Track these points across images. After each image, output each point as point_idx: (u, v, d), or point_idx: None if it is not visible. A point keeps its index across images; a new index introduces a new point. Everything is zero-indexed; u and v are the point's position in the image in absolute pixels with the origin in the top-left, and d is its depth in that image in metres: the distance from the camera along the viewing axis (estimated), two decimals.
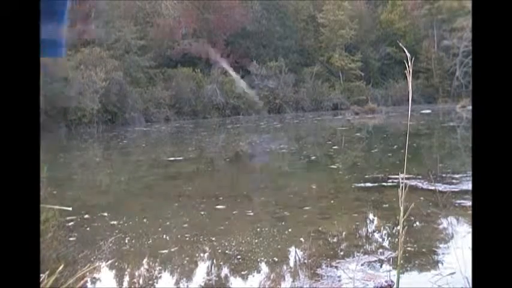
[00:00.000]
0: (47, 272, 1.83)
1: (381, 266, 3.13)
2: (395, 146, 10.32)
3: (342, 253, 3.44)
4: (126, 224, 4.49)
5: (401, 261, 2.10)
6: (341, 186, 6.21)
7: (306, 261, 3.30)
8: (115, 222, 4.54)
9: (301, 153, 10.52)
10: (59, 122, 23.03)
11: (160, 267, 3.40)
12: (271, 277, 3.10)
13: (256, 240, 3.78)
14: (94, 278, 3.23)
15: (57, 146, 15.58)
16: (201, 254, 3.61)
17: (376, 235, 4.02)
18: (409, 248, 3.39)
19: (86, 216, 4.80)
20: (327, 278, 2.95)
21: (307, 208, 4.87)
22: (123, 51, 31.96)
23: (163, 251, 3.67)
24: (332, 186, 6.15)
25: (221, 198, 5.54)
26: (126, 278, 3.23)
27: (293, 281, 2.99)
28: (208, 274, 3.21)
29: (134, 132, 21.35)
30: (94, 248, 3.76)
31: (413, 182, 5.59)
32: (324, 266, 3.15)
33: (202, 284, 3.04)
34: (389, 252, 3.37)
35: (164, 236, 4.08)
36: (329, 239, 3.79)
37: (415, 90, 38.36)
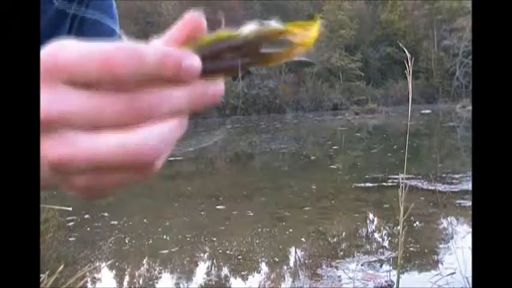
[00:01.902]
0: (47, 272, 1.83)
1: (381, 266, 3.13)
2: (395, 146, 10.32)
3: (342, 253, 3.44)
4: (126, 224, 4.49)
5: (402, 261, 2.10)
6: (341, 186, 6.21)
7: (306, 261, 3.30)
8: (115, 222, 4.54)
9: (301, 153, 10.52)
10: None
11: (160, 268, 3.40)
12: (272, 277, 3.10)
13: (257, 241, 3.78)
14: (94, 278, 3.23)
15: None
16: (202, 254, 3.61)
17: (376, 235, 4.02)
18: (409, 248, 3.39)
19: (86, 216, 4.80)
20: (327, 278, 2.95)
21: (307, 208, 4.87)
22: None
23: (164, 251, 3.67)
24: (332, 186, 6.15)
25: (221, 198, 5.54)
26: (126, 278, 3.23)
27: (293, 281, 2.99)
28: (208, 274, 3.21)
29: None
30: (94, 248, 3.76)
31: (413, 182, 5.59)
32: (324, 266, 3.15)
33: (204, 285, 3.04)
34: (389, 252, 3.37)
35: (164, 236, 4.08)
36: (329, 239, 3.79)
37: (415, 90, 38.36)
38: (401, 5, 46.47)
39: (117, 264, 3.44)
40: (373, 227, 4.26)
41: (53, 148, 0.25)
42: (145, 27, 36.28)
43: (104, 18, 0.60)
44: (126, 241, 3.94)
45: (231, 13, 37.77)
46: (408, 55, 1.71)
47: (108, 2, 0.62)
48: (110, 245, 3.83)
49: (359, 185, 5.99)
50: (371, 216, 4.57)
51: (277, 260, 3.35)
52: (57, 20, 0.55)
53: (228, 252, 3.54)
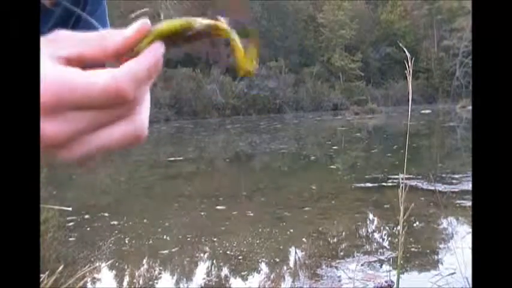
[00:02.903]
0: (47, 272, 1.83)
1: (381, 266, 3.13)
2: (395, 146, 10.32)
3: (342, 253, 3.44)
4: (126, 225, 4.49)
5: (402, 261, 2.10)
6: (341, 186, 6.20)
7: (306, 261, 3.30)
8: (115, 223, 4.54)
9: (301, 153, 10.52)
10: None
11: (160, 268, 3.40)
12: (272, 277, 3.10)
13: (257, 241, 3.78)
14: (94, 278, 3.23)
15: None
16: (202, 255, 3.61)
17: (376, 235, 4.02)
18: (410, 249, 3.39)
19: (86, 216, 4.80)
20: (327, 278, 2.95)
21: (307, 208, 4.87)
22: None
23: (164, 252, 3.67)
24: (332, 187, 6.15)
25: (221, 198, 5.54)
26: (126, 278, 3.23)
27: (293, 281, 2.99)
28: (208, 275, 3.21)
29: None
30: (94, 248, 3.76)
31: (413, 182, 5.58)
32: (324, 266, 3.15)
33: (204, 285, 3.04)
34: (389, 252, 3.37)
35: (164, 237, 4.08)
36: (329, 239, 3.79)
37: (415, 90, 38.31)
38: (401, 5, 46.47)
39: (117, 264, 3.44)
40: (373, 227, 4.26)
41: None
42: None
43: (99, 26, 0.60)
44: (126, 241, 3.94)
45: (231, 13, 37.71)
46: (408, 55, 1.71)
47: (102, 8, 0.62)
48: (110, 245, 3.83)
49: (359, 185, 5.99)
50: (371, 216, 4.57)
51: (277, 260, 3.35)
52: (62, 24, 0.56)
53: (228, 252, 3.55)
